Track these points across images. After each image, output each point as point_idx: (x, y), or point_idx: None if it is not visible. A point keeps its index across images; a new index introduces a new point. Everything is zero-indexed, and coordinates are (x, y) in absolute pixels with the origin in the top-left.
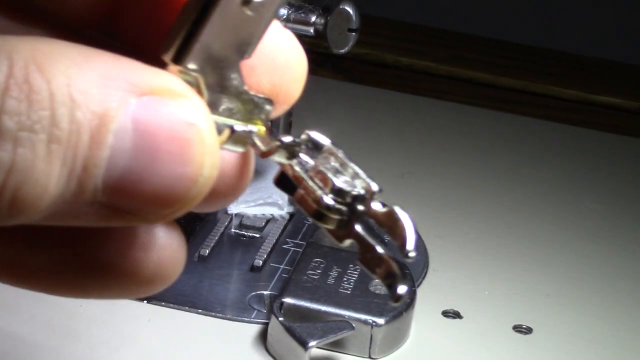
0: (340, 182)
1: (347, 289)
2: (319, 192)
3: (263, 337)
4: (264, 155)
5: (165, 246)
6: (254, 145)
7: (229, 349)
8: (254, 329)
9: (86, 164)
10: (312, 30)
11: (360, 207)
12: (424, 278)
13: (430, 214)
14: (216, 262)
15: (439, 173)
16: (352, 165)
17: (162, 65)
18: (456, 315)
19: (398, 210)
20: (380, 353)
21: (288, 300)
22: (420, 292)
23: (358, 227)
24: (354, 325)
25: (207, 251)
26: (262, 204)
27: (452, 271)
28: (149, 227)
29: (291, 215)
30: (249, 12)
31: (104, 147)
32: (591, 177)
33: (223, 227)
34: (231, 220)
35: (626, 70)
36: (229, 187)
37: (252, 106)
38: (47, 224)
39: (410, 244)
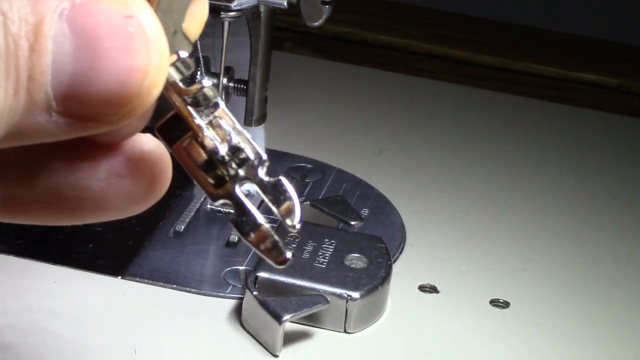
0: (235, 140)
1: (322, 264)
2: (215, 143)
3: (238, 312)
4: (182, 92)
5: (157, 162)
6: (182, 80)
7: (204, 324)
8: (229, 304)
9: (31, 73)
10: (285, 4)
11: (244, 172)
12: (400, 253)
13: (407, 190)
14: (192, 237)
15: (417, 150)
16: (244, 131)
17: None
18: (433, 289)
19: (284, 181)
20: (355, 327)
21: (262, 274)
22: (396, 267)
23: (237, 189)
24: (328, 299)
25: (183, 227)
26: None
27: (429, 246)
28: (140, 146)
29: None
30: None
31: (44, 54)
32: (570, 153)
33: (199, 203)
34: None
35: (606, 47)
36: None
37: (176, 43)
38: (14, 144)
39: (296, 217)
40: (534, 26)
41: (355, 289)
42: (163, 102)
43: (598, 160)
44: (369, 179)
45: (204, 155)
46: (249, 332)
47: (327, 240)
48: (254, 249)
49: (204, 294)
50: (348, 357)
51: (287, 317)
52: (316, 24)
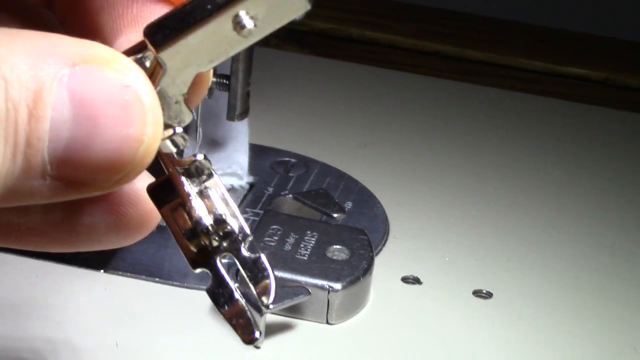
0: (222, 212)
1: (303, 255)
2: (201, 212)
3: None
4: (176, 163)
5: (148, 199)
6: (177, 152)
7: (186, 317)
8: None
9: (29, 139)
10: None
11: (227, 245)
12: (384, 245)
13: (391, 184)
14: None
15: (402, 144)
16: (232, 204)
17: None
18: (416, 281)
19: (264, 259)
20: (337, 318)
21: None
22: (379, 259)
23: (217, 261)
24: (310, 290)
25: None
26: (222, 174)
27: (413, 238)
28: (133, 184)
29: (251, 185)
30: (238, 34)
31: (43, 121)
32: (555, 146)
33: None
34: None
35: (592, 42)
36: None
37: (176, 113)
38: (8, 205)
39: (271, 296)
40: (521, 21)
41: (337, 280)
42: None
43: (583, 152)
44: (352, 173)
45: (189, 224)
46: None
47: (309, 232)
48: (226, 321)
49: (187, 287)
50: (330, 349)
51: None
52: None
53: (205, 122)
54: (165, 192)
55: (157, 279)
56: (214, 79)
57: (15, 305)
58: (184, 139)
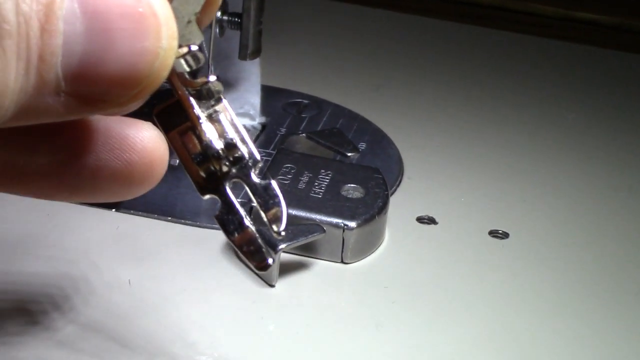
0: (232, 137)
1: (318, 194)
2: (212, 136)
3: None
4: (188, 83)
5: (155, 149)
6: (190, 72)
7: (199, 256)
8: (224, 235)
9: (41, 54)
10: None
11: (236, 170)
12: (398, 185)
13: (405, 125)
14: None
15: (415, 86)
16: (242, 129)
17: None
18: (431, 221)
19: (275, 185)
20: (352, 257)
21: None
22: (394, 199)
23: (227, 187)
24: (325, 228)
25: (178, 161)
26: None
27: (428, 179)
28: (138, 131)
29: (263, 126)
30: None
31: (55, 35)
32: (570, 89)
33: None
34: None
35: None
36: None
37: (187, 33)
38: (22, 123)
39: (282, 223)
40: None
41: (351, 218)
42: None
43: (598, 95)
44: (366, 114)
45: (199, 148)
46: (244, 263)
47: (323, 170)
48: (236, 249)
49: (199, 226)
50: (345, 288)
51: (282, 246)
52: None
53: (217, 62)
54: (173, 115)
55: (169, 218)
56: (226, 18)
57: (27, 244)
58: (199, 58)
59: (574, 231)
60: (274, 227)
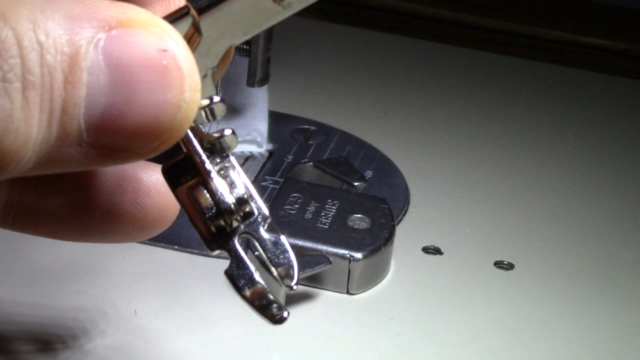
0: (242, 192)
1: (324, 224)
2: (224, 191)
3: None
4: (204, 137)
5: (167, 192)
6: (208, 122)
7: (205, 285)
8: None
9: (65, 106)
10: None
11: (246, 226)
12: (404, 215)
13: (411, 152)
14: None
15: (422, 112)
16: (250, 185)
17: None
18: (437, 251)
19: (284, 240)
20: (358, 288)
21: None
22: (400, 228)
23: (236, 243)
24: (331, 259)
25: None
26: (241, 141)
27: (433, 208)
28: (151, 174)
29: (270, 153)
30: (277, 5)
31: (79, 86)
32: (576, 116)
33: None
34: None
35: (613, 12)
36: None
37: (204, 85)
38: (43, 172)
39: (294, 277)
40: None
41: (358, 249)
42: None
43: (604, 122)
44: (373, 141)
45: (209, 203)
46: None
47: (329, 200)
48: (248, 305)
49: (206, 255)
50: (350, 319)
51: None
52: None
53: (225, 88)
54: (181, 171)
55: (176, 247)
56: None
57: (32, 271)
58: (221, 110)
59: (580, 262)
60: (286, 282)
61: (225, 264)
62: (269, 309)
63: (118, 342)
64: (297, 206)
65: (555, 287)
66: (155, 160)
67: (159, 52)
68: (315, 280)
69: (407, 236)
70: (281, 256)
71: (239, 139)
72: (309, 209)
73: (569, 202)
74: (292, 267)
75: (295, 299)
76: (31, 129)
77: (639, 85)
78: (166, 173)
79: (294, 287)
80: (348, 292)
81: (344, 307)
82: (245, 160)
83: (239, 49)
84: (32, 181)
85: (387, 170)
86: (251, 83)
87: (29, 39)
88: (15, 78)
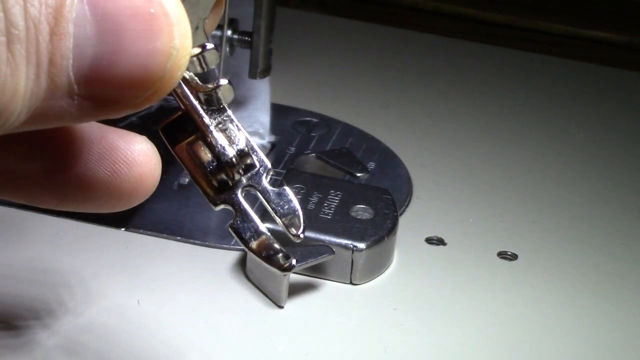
0: (243, 144)
1: (327, 214)
2: (224, 144)
3: (242, 264)
4: (199, 88)
5: (146, 162)
6: (201, 70)
7: (208, 276)
8: (233, 255)
9: (52, 58)
10: None
11: (249, 179)
12: (407, 206)
13: (414, 144)
14: (196, 190)
15: (424, 105)
16: (249, 137)
17: None
18: (440, 242)
19: (288, 191)
20: (362, 278)
21: (267, 225)
22: (403, 219)
23: (240, 196)
24: (334, 249)
25: (187, 180)
26: None
27: (437, 199)
28: (130, 144)
29: (272, 144)
30: None
31: (65, 38)
32: (579, 108)
33: None
34: None
35: (615, 5)
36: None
37: (197, 36)
38: (36, 127)
39: (301, 226)
40: None
41: (361, 239)
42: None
43: (607, 114)
44: (375, 133)
45: (210, 157)
46: (253, 284)
47: (332, 191)
48: (255, 256)
49: (209, 246)
50: (354, 309)
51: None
52: None
53: (218, 62)
54: (179, 129)
55: (179, 238)
56: (236, 36)
57: (36, 263)
58: (214, 58)
59: (583, 253)
60: (292, 231)
61: (228, 253)
62: (276, 259)
63: (121, 332)
64: (299, 197)
65: (559, 278)
66: (136, 129)
67: (146, 0)
68: (318, 271)
69: (410, 227)
70: (286, 206)
71: None
72: (312, 199)
73: (571, 193)
74: (297, 216)
75: (298, 288)
76: (18, 82)
77: None
78: (164, 131)
79: (301, 235)
80: (351, 283)
81: (347, 297)
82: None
83: (240, 41)
84: (9, 145)
85: (389, 161)
86: (253, 75)
87: None
88: (0, 33)
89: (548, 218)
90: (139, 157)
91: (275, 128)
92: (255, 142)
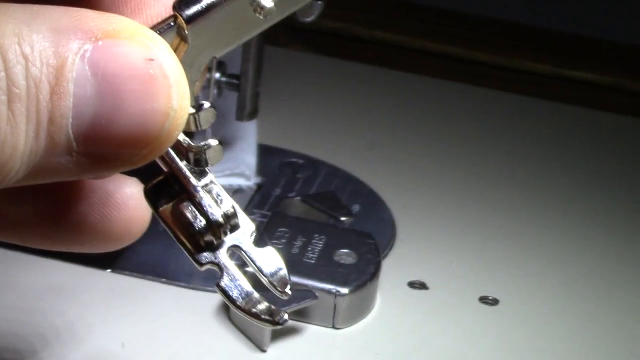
0: (230, 205)
1: (311, 259)
2: (211, 208)
3: (226, 307)
4: (190, 148)
5: (136, 206)
6: (195, 130)
7: (192, 318)
8: (217, 298)
9: (52, 116)
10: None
11: (233, 239)
12: (390, 249)
13: (399, 187)
14: None
15: (410, 146)
16: (232, 200)
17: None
18: (422, 286)
19: (273, 251)
20: (344, 323)
21: (250, 269)
22: (386, 263)
23: (226, 255)
24: (317, 294)
25: None
26: (229, 174)
27: (419, 242)
28: (120, 187)
29: (258, 186)
30: (258, 15)
31: (65, 97)
32: (563, 151)
33: None
34: None
35: (600, 46)
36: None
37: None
38: (35, 182)
39: (288, 285)
40: (529, 24)
41: (344, 284)
42: None
43: (590, 158)
44: (360, 175)
45: (196, 218)
46: (237, 327)
47: (316, 235)
48: (244, 315)
49: (193, 288)
50: (336, 353)
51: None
52: (309, 19)
53: (214, 122)
54: (163, 191)
55: (164, 280)
56: (224, 79)
57: (21, 303)
58: (212, 116)
59: (565, 299)
60: (278, 290)
61: (212, 296)
62: (266, 315)
63: None
64: (284, 240)
65: (541, 323)
66: (128, 173)
67: (146, 61)
68: (301, 315)
69: (393, 271)
70: (271, 265)
71: (227, 172)
72: (296, 243)
73: (554, 237)
74: (284, 274)
75: (281, 333)
76: (18, 140)
77: (626, 121)
78: (148, 194)
79: (289, 293)
80: (334, 327)
81: (330, 341)
82: (234, 193)
83: (228, 84)
84: (5, 190)
85: (374, 204)
86: (240, 117)
87: (14, 52)
88: (1, 91)
89: (530, 263)
90: (129, 200)
91: (261, 169)
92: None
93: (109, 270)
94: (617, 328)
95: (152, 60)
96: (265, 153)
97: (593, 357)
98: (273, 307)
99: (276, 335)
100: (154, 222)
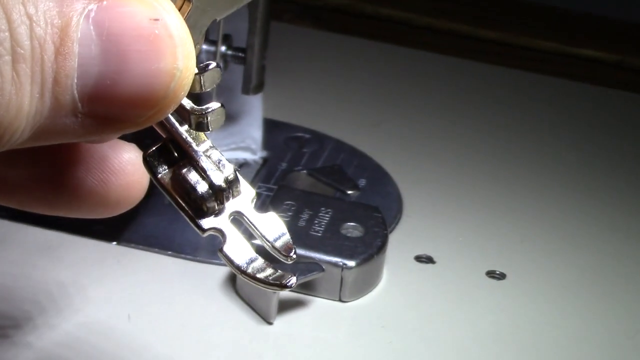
0: (231, 170)
1: (317, 232)
2: (213, 173)
3: (233, 280)
4: (192, 110)
5: (134, 171)
6: (200, 91)
7: (198, 291)
8: (224, 271)
9: (56, 77)
10: None
11: (236, 205)
12: (397, 223)
13: (405, 162)
14: None
15: (416, 122)
16: (233, 166)
17: None
18: (429, 260)
19: (275, 216)
20: (350, 296)
21: (257, 242)
22: (393, 237)
23: (229, 221)
24: (324, 267)
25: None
26: (235, 148)
27: (426, 217)
28: (119, 153)
29: (264, 160)
30: None
31: (70, 57)
32: (570, 127)
33: None
34: None
35: (608, 24)
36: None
37: None
38: (40, 143)
39: (292, 250)
40: (536, 2)
41: (350, 257)
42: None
43: (597, 134)
44: (367, 150)
45: (197, 184)
46: (243, 300)
47: (323, 208)
48: (250, 281)
49: (199, 261)
50: (342, 326)
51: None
52: None
53: (219, 96)
54: (162, 158)
55: (169, 252)
56: (230, 52)
57: (27, 276)
58: (217, 76)
59: (571, 273)
60: (283, 254)
61: (218, 269)
62: (273, 278)
63: (111, 346)
64: (290, 214)
65: (547, 297)
66: (126, 138)
67: (151, 21)
68: (307, 288)
69: (400, 245)
70: (274, 230)
71: (233, 145)
72: (303, 216)
73: (561, 212)
74: (287, 239)
75: (287, 305)
76: (23, 101)
77: (634, 98)
78: (146, 160)
79: (294, 257)
80: (340, 300)
81: (336, 314)
82: (240, 167)
83: (234, 57)
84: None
85: (380, 179)
86: (246, 90)
87: (18, 12)
88: (5, 52)
89: (537, 237)
90: (127, 166)
91: (267, 143)
92: (246, 158)
93: (114, 243)
94: (624, 303)
95: (157, 20)
96: (272, 127)
97: (599, 331)
98: (279, 271)
99: (282, 308)
100: (159, 195)
